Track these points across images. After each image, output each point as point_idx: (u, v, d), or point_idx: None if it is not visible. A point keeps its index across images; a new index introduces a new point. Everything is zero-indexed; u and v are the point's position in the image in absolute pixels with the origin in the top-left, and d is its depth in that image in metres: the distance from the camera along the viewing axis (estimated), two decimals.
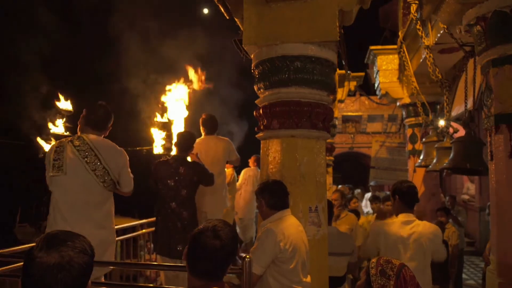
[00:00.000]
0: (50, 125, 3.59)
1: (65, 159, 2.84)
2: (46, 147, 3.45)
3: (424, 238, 2.97)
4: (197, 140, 4.67)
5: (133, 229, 5.04)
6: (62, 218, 2.81)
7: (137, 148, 4.34)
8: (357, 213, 6.28)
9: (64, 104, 3.71)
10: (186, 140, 4.12)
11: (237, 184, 6.74)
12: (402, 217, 3.06)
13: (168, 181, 3.86)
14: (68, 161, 2.84)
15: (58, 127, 3.66)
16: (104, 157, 2.92)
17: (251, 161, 7.05)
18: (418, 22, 4.90)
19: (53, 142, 3.26)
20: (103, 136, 3.07)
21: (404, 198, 3.08)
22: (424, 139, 5.99)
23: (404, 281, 1.60)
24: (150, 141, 4.53)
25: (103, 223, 2.96)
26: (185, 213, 3.84)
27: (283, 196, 2.61)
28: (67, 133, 3.56)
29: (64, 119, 3.58)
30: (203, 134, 4.92)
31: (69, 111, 3.43)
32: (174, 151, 4.24)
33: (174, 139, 4.37)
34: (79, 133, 3.05)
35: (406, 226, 3.00)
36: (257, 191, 2.68)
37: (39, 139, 3.35)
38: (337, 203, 5.06)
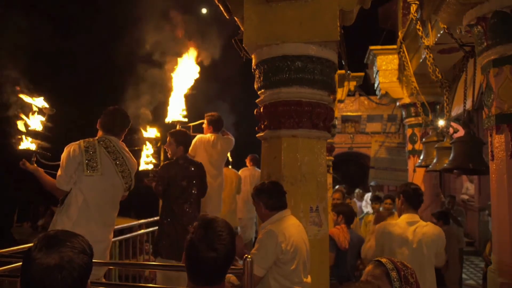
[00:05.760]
0: (28, 121, 3.30)
1: (99, 160, 2.87)
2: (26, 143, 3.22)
3: (427, 239, 2.95)
4: (209, 138, 4.56)
5: (130, 229, 5.03)
6: (87, 218, 2.80)
7: (136, 148, 4.28)
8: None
9: (39, 101, 3.28)
10: (189, 139, 4.06)
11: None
12: (406, 217, 3.04)
13: (181, 182, 3.71)
14: (103, 162, 2.88)
15: (35, 125, 3.22)
16: (127, 160, 3.01)
17: (247, 161, 7.02)
18: (418, 22, 4.90)
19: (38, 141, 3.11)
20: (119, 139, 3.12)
21: (409, 198, 3.08)
22: (424, 139, 5.99)
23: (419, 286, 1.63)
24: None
25: (114, 224, 3.07)
26: (197, 214, 3.76)
27: (281, 196, 2.60)
28: (47, 133, 3.31)
29: (45, 117, 3.31)
30: (211, 131, 4.69)
31: (51, 109, 3.21)
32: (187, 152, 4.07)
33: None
34: (99, 135, 3.05)
35: (410, 226, 2.99)
36: (254, 194, 2.65)
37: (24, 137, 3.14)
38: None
